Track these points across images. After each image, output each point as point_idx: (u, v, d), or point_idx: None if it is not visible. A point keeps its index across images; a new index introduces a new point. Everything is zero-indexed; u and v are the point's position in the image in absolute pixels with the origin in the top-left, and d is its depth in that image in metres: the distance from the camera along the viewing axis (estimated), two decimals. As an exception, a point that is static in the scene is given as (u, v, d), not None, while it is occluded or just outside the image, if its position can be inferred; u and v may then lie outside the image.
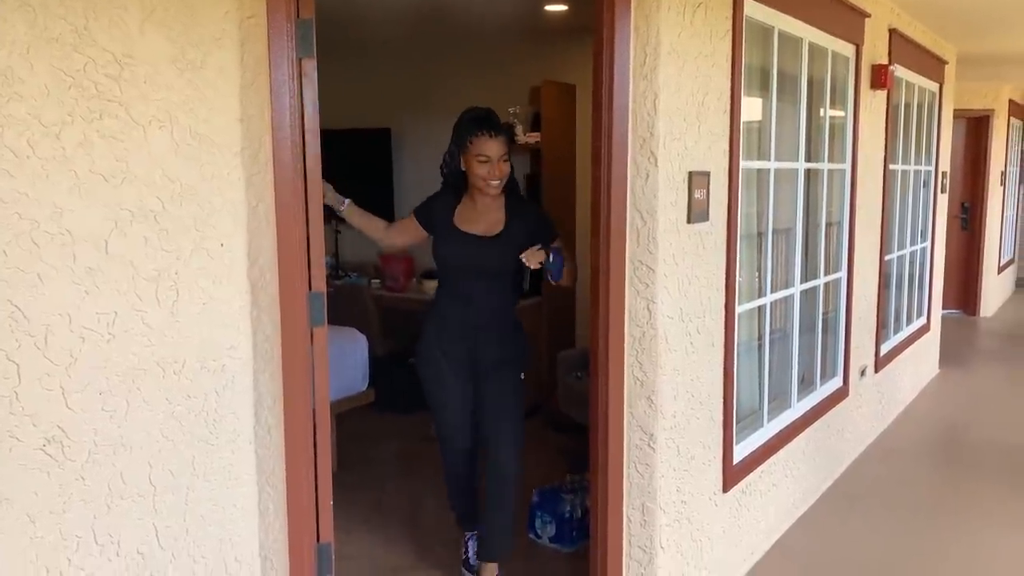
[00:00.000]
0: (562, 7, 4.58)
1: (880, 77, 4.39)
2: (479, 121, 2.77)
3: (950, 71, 6.23)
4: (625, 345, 2.62)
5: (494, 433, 2.95)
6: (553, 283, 2.81)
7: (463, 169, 2.84)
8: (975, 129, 8.87)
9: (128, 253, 1.96)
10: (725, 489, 3.07)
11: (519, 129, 5.00)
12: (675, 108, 2.59)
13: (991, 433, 5.05)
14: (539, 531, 3.50)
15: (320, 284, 2.41)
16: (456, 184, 2.91)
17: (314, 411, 2.45)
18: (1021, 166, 10.80)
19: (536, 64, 5.50)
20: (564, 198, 5.33)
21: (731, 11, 2.85)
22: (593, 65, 2.56)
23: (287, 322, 2.31)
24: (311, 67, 2.32)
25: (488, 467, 3.00)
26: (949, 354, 6.82)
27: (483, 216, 2.89)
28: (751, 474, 3.27)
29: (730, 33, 2.86)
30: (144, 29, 1.95)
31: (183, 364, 2.10)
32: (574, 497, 3.49)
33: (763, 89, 3.38)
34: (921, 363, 6.04)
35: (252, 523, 2.33)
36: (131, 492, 2.01)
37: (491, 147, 2.75)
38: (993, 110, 8.73)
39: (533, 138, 5.15)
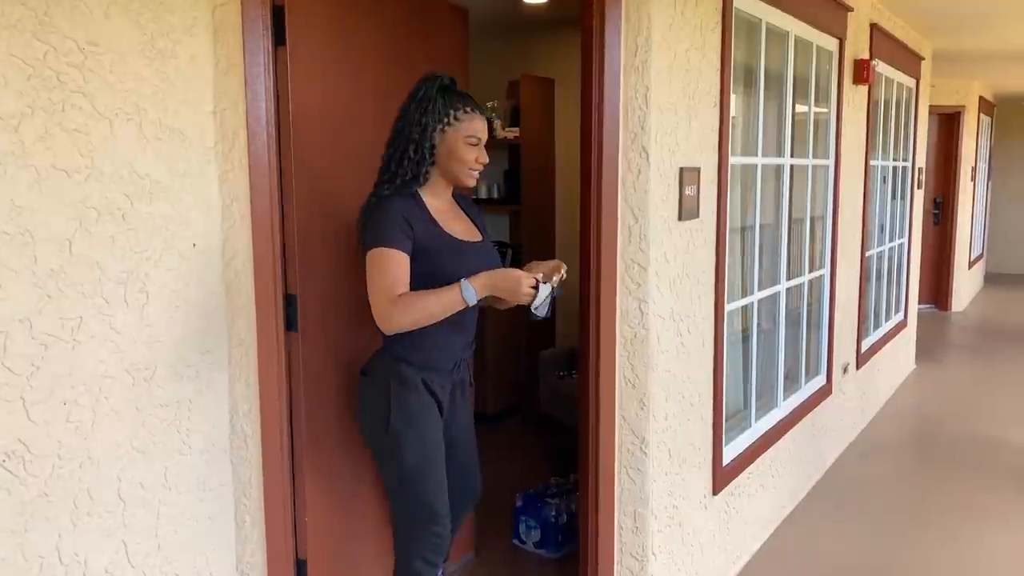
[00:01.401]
0: (542, -1, 4.50)
1: (862, 72, 4.36)
2: (462, 95, 2.23)
3: (926, 67, 6.24)
4: (616, 346, 2.54)
5: (470, 458, 2.48)
6: (537, 317, 2.19)
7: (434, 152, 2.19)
8: (946, 125, 8.92)
9: (94, 254, 1.84)
10: (715, 491, 3.01)
11: (498, 124, 4.91)
12: (667, 102, 2.51)
13: (969, 428, 5.07)
14: (523, 536, 3.41)
15: (296, 287, 2.30)
16: (412, 175, 2.17)
17: (291, 419, 2.34)
18: (989, 162, 10.92)
19: (513, 58, 5.40)
20: (544, 194, 5.23)
21: (721, 3, 2.79)
22: (581, 57, 2.46)
23: (263, 326, 2.21)
24: (287, 57, 2.21)
25: (459, 493, 2.45)
26: (924, 349, 6.86)
27: (456, 216, 2.32)
28: (740, 475, 3.21)
29: (720, 25, 2.79)
30: (110, 14, 1.83)
31: (154, 371, 1.99)
32: (559, 501, 3.40)
33: (748, 85, 3.32)
34: (899, 359, 6.05)
35: (228, 537, 2.22)
36: (99, 508, 1.90)
37: (482, 127, 2.24)
38: (964, 106, 8.78)
39: (512, 133, 5.06)
